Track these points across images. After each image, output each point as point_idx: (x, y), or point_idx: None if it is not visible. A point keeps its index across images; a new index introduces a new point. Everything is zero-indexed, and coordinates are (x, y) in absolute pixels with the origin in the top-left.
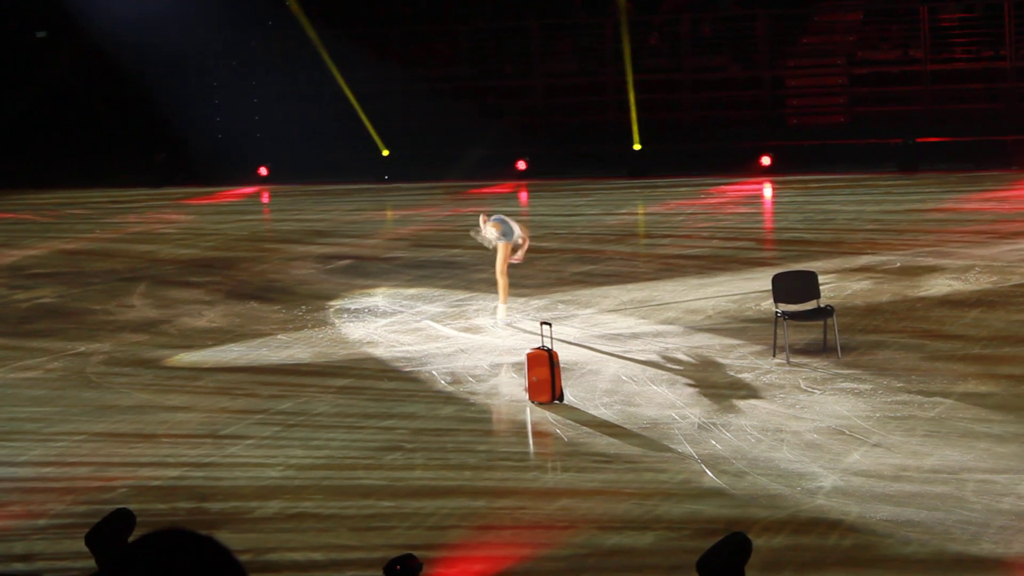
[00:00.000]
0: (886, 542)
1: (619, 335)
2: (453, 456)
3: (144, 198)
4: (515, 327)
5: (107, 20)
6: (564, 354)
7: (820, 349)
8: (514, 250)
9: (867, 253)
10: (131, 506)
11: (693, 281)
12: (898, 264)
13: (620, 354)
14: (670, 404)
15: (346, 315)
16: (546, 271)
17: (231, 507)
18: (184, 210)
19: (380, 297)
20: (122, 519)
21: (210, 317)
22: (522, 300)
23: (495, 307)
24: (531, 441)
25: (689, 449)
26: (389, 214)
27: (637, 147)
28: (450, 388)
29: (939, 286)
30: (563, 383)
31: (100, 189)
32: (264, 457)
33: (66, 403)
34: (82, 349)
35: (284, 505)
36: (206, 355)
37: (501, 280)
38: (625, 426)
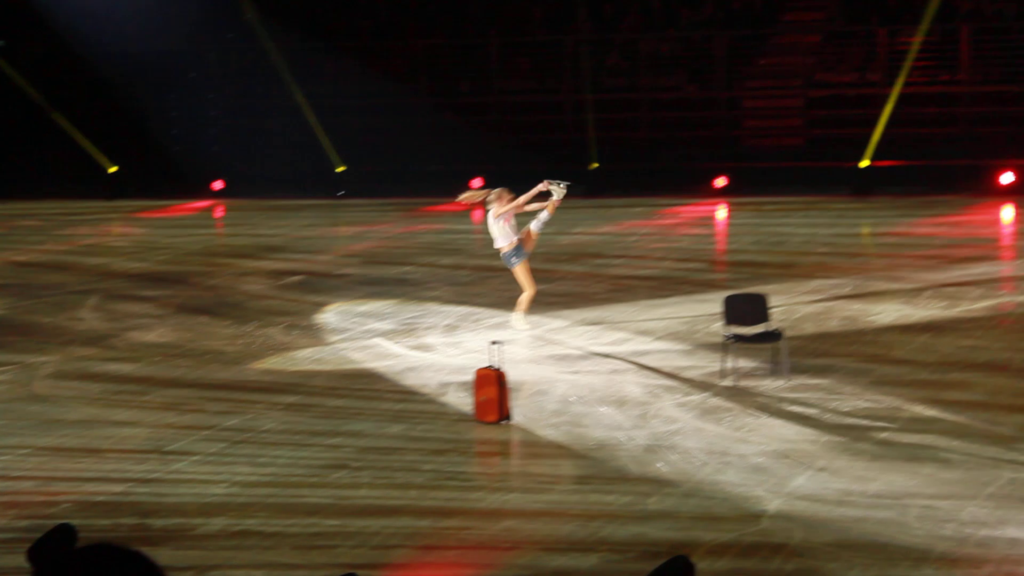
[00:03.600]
0: (829, 566)
1: (569, 355)
2: (399, 475)
3: (97, 210)
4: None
5: (65, 32)
6: (512, 374)
7: (768, 372)
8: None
9: (818, 277)
10: (74, 521)
11: (645, 302)
12: (849, 288)
13: (569, 374)
14: (617, 425)
15: (296, 331)
16: (498, 290)
17: (175, 524)
18: (137, 223)
19: (331, 313)
20: (64, 534)
21: (160, 331)
22: (473, 319)
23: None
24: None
25: (635, 471)
26: (342, 230)
27: (594, 165)
28: (398, 407)
29: (889, 310)
30: (511, 403)
31: (52, 200)
32: (209, 474)
33: (12, 416)
34: (30, 362)
35: (228, 522)
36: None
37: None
38: (572, 447)
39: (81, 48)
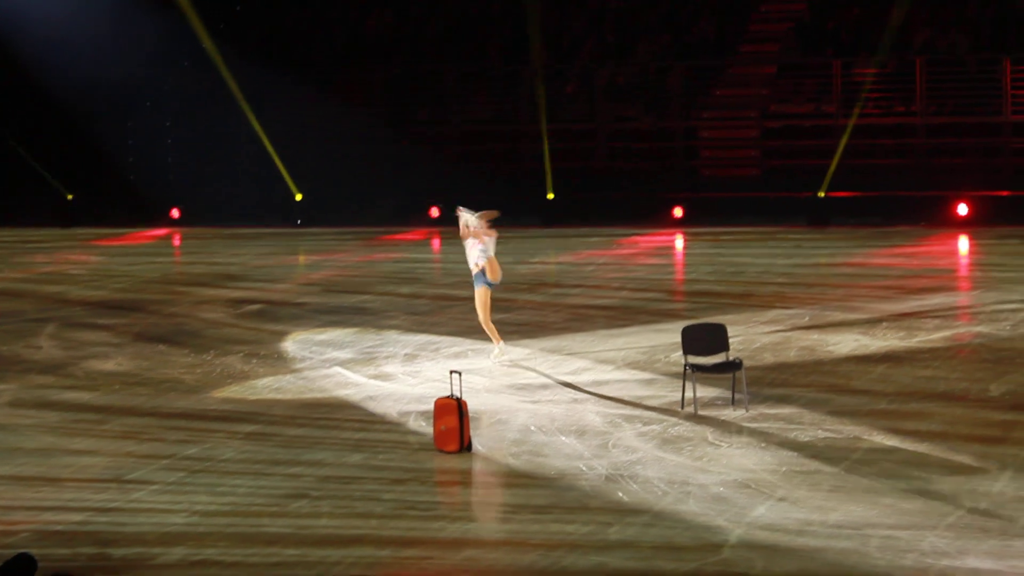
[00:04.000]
0: None
1: (528, 385)
2: (360, 504)
3: (54, 238)
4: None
5: (20, 59)
6: (473, 403)
7: (728, 402)
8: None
9: (776, 307)
10: (33, 551)
11: (603, 332)
12: (807, 318)
13: (529, 404)
14: (578, 455)
15: (255, 360)
16: (456, 319)
17: (134, 553)
18: (94, 251)
19: (290, 342)
20: (23, 564)
21: (118, 360)
22: (432, 348)
23: (495, 351)
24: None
25: (596, 500)
26: (301, 259)
27: (550, 196)
28: (358, 436)
29: (847, 341)
30: (471, 432)
31: (9, 228)
32: (169, 503)
33: None
34: None
35: (188, 552)
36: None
37: (487, 328)
38: (533, 476)
39: (37, 75)
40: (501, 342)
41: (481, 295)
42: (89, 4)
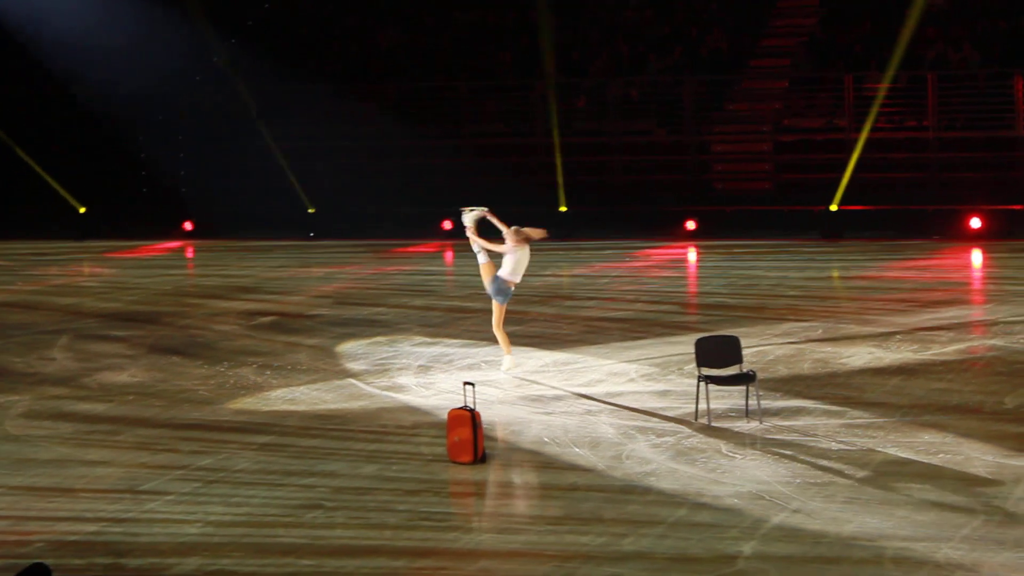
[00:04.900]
0: None
1: (542, 396)
2: (374, 515)
3: (67, 251)
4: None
5: (34, 71)
6: (486, 415)
7: (742, 414)
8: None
9: (790, 319)
10: (47, 561)
11: (617, 344)
12: (820, 331)
13: (543, 415)
14: (591, 466)
15: (268, 372)
16: (470, 331)
17: (149, 563)
18: (108, 263)
19: (303, 354)
20: (38, 574)
21: (132, 371)
22: (445, 360)
23: (503, 360)
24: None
25: (610, 512)
26: (313, 271)
27: (563, 208)
28: (372, 447)
29: (860, 353)
30: (485, 444)
31: (22, 241)
32: (183, 513)
33: None
34: (1, 402)
35: (203, 562)
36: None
37: (499, 334)
38: (547, 488)
39: (51, 89)
40: (511, 354)
41: (500, 310)
42: (106, 18)
